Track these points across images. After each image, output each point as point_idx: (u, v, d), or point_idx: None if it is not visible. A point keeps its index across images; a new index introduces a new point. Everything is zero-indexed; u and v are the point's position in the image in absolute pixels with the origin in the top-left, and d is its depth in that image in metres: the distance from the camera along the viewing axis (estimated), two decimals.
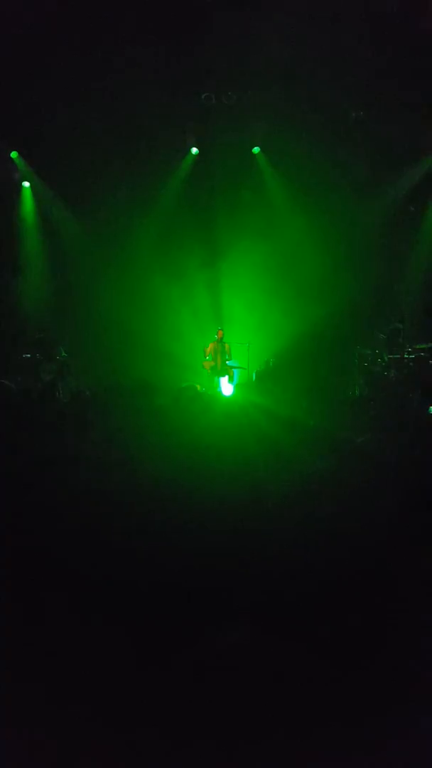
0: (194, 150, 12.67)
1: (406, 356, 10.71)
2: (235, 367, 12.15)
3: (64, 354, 11.63)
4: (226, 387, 11.85)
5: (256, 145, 12.59)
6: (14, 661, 2.42)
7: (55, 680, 2.38)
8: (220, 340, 11.99)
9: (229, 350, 12.09)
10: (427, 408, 6.35)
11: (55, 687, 2.36)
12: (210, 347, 12.03)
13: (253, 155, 12.67)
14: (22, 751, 2.18)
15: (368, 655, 2.38)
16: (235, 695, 2.31)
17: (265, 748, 2.17)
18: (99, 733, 2.21)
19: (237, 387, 11.47)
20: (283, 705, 2.27)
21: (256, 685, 2.33)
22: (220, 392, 11.62)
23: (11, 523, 2.84)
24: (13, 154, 12.54)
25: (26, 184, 12.96)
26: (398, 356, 10.71)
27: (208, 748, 2.15)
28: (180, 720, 2.24)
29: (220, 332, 12.05)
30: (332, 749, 2.15)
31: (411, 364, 10.64)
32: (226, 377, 12.06)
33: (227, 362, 12.04)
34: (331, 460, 2.90)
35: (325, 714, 2.25)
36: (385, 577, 2.51)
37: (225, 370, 12.04)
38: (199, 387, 8.51)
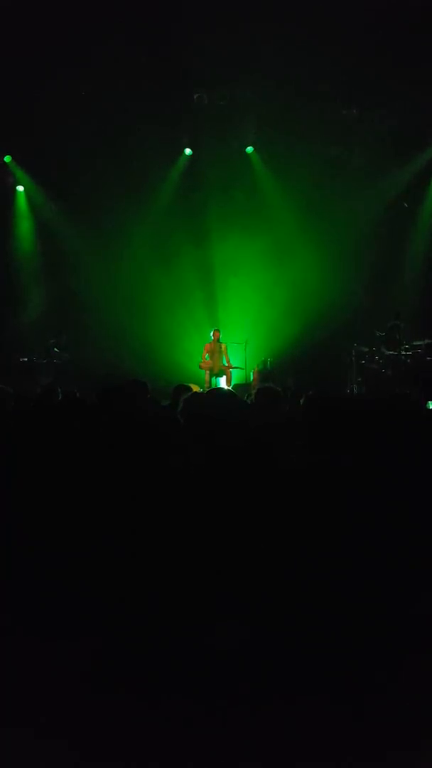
0: (187, 151, 12.67)
1: (403, 353, 10.67)
2: (233, 368, 12.11)
3: (56, 350, 11.63)
4: (225, 388, 11.79)
5: (249, 145, 12.58)
6: None
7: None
8: (217, 341, 11.95)
9: (225, 350, 12.04)
10: (425, 404, 6.33)
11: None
12: (207, 348, 11.99)
13: (247, 155, 12.67)
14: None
15: None
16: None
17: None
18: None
19: (235, 387, 11.43)
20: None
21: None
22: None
23: None
24: (7, 158, 12.56)
25: (20, 188, 12.98)
26: (395, 353, 10.68)
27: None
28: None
29: (217, 332, 11.99)
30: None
31: (408, 361, 10.60)
32: (224, 378, 12.01)
33: (224, 364, 11.99)
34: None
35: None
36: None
37: (223, 371, 12.00)
38: (196, 387, 8.50)
